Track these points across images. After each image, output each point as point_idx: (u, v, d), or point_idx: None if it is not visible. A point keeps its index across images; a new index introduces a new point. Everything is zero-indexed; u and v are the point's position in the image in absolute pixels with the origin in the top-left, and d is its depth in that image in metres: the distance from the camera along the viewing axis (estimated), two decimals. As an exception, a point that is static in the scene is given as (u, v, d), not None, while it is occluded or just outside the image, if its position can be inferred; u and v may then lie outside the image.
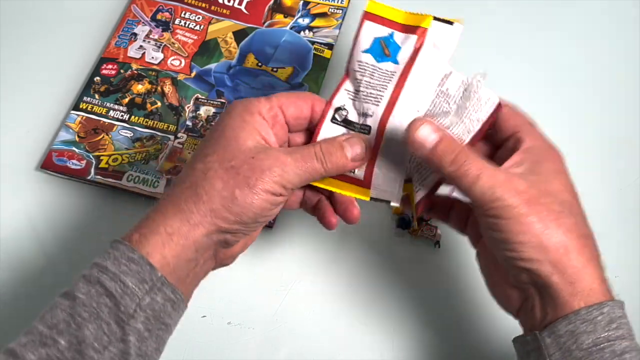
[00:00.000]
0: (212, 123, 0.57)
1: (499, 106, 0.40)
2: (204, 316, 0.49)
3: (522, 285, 0.36)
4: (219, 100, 0.58)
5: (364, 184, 0.40)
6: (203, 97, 0.58)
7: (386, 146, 0.39)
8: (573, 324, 0.34)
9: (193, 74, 0.60)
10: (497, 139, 0.40)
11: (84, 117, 0.57)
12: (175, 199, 0.37)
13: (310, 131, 0.41)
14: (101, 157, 0.55)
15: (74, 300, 0.34)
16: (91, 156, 0.55)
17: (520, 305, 0.38)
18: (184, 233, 0.36)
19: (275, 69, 0.60)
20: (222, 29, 0.63)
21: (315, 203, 0.43)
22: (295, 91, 0.40)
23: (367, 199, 0.40)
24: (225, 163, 0.36)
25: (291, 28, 0.63)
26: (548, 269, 0.34)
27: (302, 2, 0.64)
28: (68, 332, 0.33)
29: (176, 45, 0.62)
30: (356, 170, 0.40)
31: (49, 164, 0.54)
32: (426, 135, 0.36)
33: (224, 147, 0.37)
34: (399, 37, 0.40)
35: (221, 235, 0.37)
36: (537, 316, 0.36)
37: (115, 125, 0.57)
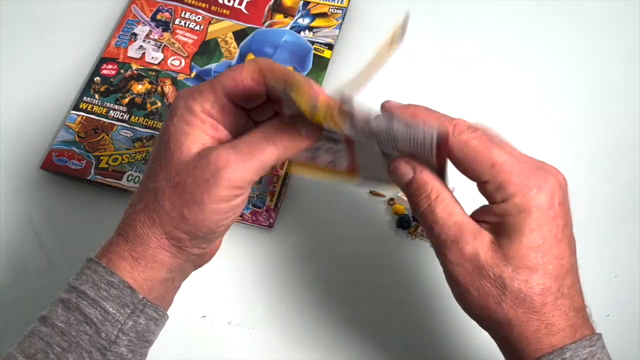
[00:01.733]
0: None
1: (443, 140, 0.34)
2: (204, 316, 0.49)
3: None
4: (219, 100, 0.58)
5: (351, 170, 0.39)
6: (203, 97, 0.58)
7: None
8: None
9: (193, 74, 0.60)
10: (473, 178, 0.35)
11: (84, 117, 0.57)
12: (132, 222, 0.36)
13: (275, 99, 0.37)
14: (101, 157, 0.55)
15: (53, 328, 0.33)
16: (91, 156, 0.55)
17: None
18: (149, 257, 0.35)
19: (275, 69, 0.60)
20: (222, 29, 0.63)
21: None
22: (241, 65, 0.36)
23: (357, 181, 0.39)
24: (171, 180, 0.35)
25: (291, 28, 0.63)
26: (496, 339, 0.36)
27: (302, 2, 0.64)
28: None
29: (176, 45, 0.62)
30: (338, 164, 0.39)
31: (49, 164, 0.54)
32: (400, 175, 0.36)
33: (169, 161, 0.35)
34: None
35: (185, 252, 0.36)
36: None
37: (115, 125, 0.57)
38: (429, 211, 0.35)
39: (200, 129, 0.35)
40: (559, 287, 0.34)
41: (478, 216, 0.35)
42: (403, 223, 0.52)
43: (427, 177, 0.35)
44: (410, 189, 0.36)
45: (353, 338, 0.49)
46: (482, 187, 0.35)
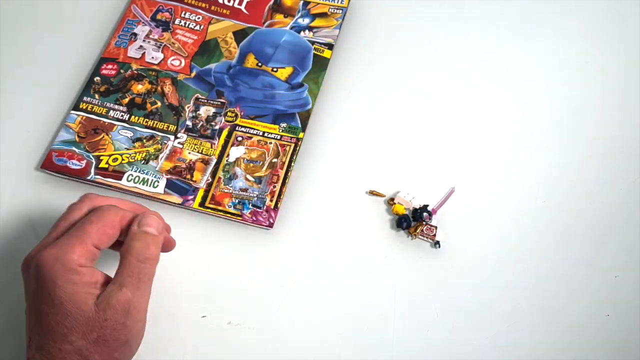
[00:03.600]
0: (212, 123, 0.57)
1: None
2: (204, 316, 0.49)
3: None
4: (219, 100, 0.58)
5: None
6: (203, 97, 0.58)
7: None
8: None
9: (193, 74, 0.60)
10: None
11: (84, 117, 0.57)
12: None
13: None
14: (101, 157, 0.55)
15: None
16: (91, 156, 0.55)
17: None
18: None
19: (275, 69, 0.60)
20: (222, 29, 0.63)
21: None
22: (99, 213, 0.42)
23: None
24: (88, 337, 0.37)
25: (291, 28, 0.63)
26: None
27: (302, 2, 0.64)
28: None
29: (176, 45, 0.62)
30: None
31: (49, 164, 0.54)
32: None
33: (75, 323, 0.37)
34: None
35: None
36: None
37: (115, 125, 0.57)
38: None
39: (87, 284, 0.38)
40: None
41: None
42: (403, 223, 0.52)
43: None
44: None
45: (353, 338, 0.49)
46: None
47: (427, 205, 0.53)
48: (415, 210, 0.53)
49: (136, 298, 0.39)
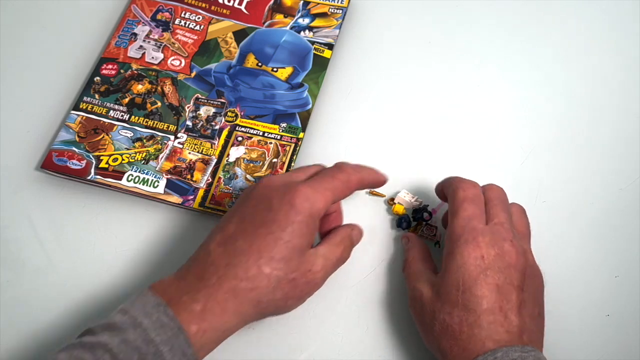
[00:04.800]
0: (212, 123, 0.57)
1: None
2: (204, 316, 0.49)
3: None
4: (219, 100, 0.58)
5: None
6: (203, 97, 0.58)
7: None
8: None
9: (193, 74, 0.60)
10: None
11: (84, 117, 0.57)
12: (237, 297, 0.39)
13: None
14: (101, 157, 0.55)
15: None
16: (91, 156, 0.55)
17: None
18: (227, 329, 0.40)
19: (275, 69, 0.60)
20: (222, 29, 0.63)
21: None
22: (337, 172, 0.44)
23: None
24: (289, 274, 0.40)
25: (291, 28, 0.63)
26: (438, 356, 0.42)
27: (302, 2, 0.64)
28: None
29: (176, 45, 0.62)
30: None
31: (49, 164, 0.54)
32: (403, 243, 0.52)
33: (290, 259, 0.40)
34: None
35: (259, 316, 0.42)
36: None
37: (115, 125, 0.57)
38: (405, 267, 0.48)
39: (313, 233, 0.42)
40: (475, 319, 0.40)
41: None
42: (403, 223, 0.52)
43: (411, 246, 0.49)
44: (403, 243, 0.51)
45: (353, 337, 0.49)
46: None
47: (427, 206, 0.53)
48: (415, 210, 0.53)
49: (326, 276, 0.43)
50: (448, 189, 0.46)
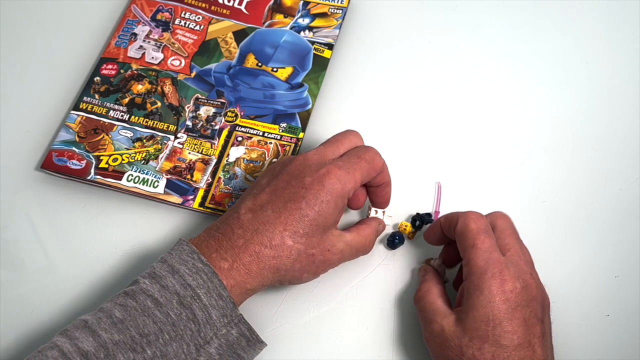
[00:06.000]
0: (212, 123, 0.57)
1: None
2: (204, 316, 0.49)
3: None
4: (219, 100, 0.58)
5: None
6: (203, 97, 0.58)
7: None
8: None
9: (193, 74, 0.60)
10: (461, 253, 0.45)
11: (84, 117, 0.57)
12: (260, 261, 0.42)
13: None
14: (101, 157, 0.55)
15: (166, 317, 0.39)
16: (91, 156, 0.55)
17: None
18: (251, 288, 0.42)
19: (275, 69, 0.60)
20: (222, 29, 0.63)
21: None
22: (365, 151, 0.46)
23: None
24: (309, 249, 0.42)
25: (291, 28, 0.63)
26: None
27: (302, 2, 0.64)
28: (156, 345, 0.38)
29: (176, 45, 0.62)
30: None
31: (49, 164, 0.54)
32: (420, 275, 0.50)
33: (312, 234, 0.42)
34: None
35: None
36: None
37: (115, 125, 0.57)
38: (420, 298, 0.46)
39: (341, 213, 0.45)
40: (508, 355, 0.40)
41: (460, 300, 0.44)
42: (392, 244, 0.51)
43: (427, 279, 0.47)
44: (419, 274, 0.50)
45: (353, 337, 0.49)
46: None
47: (430, 214, 0.53)
48: (417, 218, 0.52)
49: (342, 259, 0.45)
50: (453, 223, 0.45)
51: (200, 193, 0.53)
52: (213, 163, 0.55)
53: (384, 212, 0.50)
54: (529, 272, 0.43)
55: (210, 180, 0.54)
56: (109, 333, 0.38)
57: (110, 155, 0.55)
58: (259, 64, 0.60)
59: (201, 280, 0.40)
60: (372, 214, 0.50)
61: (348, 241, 0.45)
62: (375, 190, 0.48)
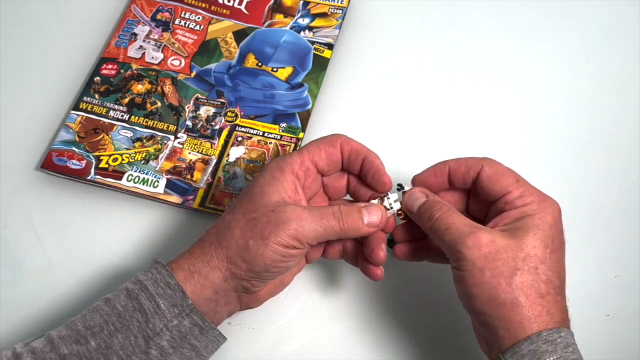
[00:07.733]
0: (212, 123, 0.57)
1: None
2: (204, 316, 0.49)
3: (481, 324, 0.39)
4: (219, 100, 0.58)
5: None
6: (203, 97, 0.58)
7: None
8: (535, 343, 0.35)
9: (193, 74, 0.60)
10: (487, 202, 0.42)
11: (84, 117, 0.57)
12: (202, 243, 0.41)
13: (346, 170, 0.45)
14: (101, 157, 0.55)
15: (113, 309, 0.39)
16: (91, 156, 0.55)
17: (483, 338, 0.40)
18: (203, 273, 0.40)
19: (275, 69, 0.60)
20: (222, 29, 0.63)
21: (356, 254, 0.45)
22: (323, 137, 0.44)
23: None
24: (247, 215, 0.40)
25: (291, 28, 0.63)
26: (495, 322, 0.37)
27: (302, 2, 0.64)
28: (100, 336, 0.38)
29: (176, 45, 0.62)
30: None
31: (49, 164, 0.54)
32: (414, 199, 0.42)
33: (250, 201, 0.41)
34: None
35: (237, 281, 0.41)
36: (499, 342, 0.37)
37: (115, 125, 0.57)
38: (445, 216, 0.40)
39: (283, 185, 0.41)
40: (560, 284, 0.38)
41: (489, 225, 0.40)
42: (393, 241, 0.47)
43: (440, 199, 0.42)
44: (422, 208, 0.42)
45: (352, 338, 0.49)
46: (503, 198, 0.40)
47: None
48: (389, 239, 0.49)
49: (304, 224, 0.40)
50: (474, 167, 0.42)
51: (200, 193, 0.53)
52: (213, 163, 0.55)
53: (388, 199, 0.44)
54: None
55: (210, 180, 0.54)
56: (58, 331, 0.39)
57: (110, 155, 0.55)
58: (259, 64, 0.60)
59: (150, 274, 0.40)
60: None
61: (303, 206, 0.42)
62: (364, 171, 0.44)
